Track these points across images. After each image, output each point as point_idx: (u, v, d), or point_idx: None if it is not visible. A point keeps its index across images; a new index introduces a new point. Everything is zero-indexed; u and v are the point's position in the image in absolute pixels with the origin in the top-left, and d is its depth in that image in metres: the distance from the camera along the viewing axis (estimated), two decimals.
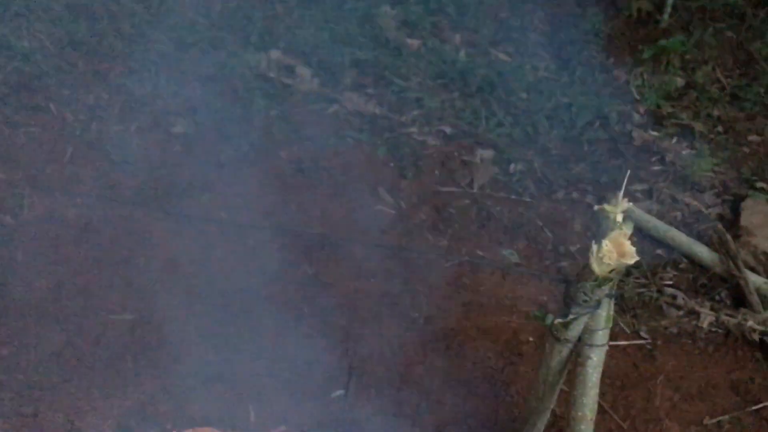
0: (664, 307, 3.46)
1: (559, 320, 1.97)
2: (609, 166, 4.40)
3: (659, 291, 3.51)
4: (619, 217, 1.82)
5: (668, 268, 3.69)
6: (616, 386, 3.06)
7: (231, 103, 4.14)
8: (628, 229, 1.77)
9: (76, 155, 3.69)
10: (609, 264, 1.78)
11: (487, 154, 4.39)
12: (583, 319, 1.98)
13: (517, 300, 3.46)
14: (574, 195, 4.18)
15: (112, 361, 2.83)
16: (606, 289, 1.88)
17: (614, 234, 1.77)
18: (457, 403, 2.91)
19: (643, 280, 3.59)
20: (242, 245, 3.43)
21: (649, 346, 3.27)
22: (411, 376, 3.00)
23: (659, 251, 3.78)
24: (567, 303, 1.95)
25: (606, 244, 1.77)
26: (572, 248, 3.83)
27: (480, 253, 3.71)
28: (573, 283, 1.90)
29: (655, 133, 4.66)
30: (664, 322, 3.40)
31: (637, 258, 1.80)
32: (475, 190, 4.11)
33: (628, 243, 1.76)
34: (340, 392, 2.89)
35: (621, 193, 1.84)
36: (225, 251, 3.38)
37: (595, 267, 1.80)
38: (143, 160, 3.77)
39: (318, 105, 4.34)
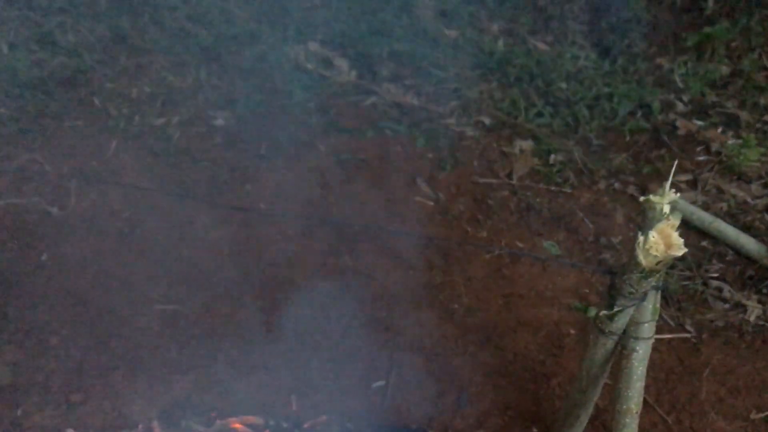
0: (710, 299, 3.39)
1: (604, 312, 1.95)
2: (652, 156, 4.33)
3: (705, 283, 3.44)
4: (666, 208, 1.79)
5: (714, 260, 3.61)
6: (661, 380, 3.02)
7: (270, 95, 4.17)
8: (675, 220, 1.74)
9: (120, 148, 3.75)
10: (656, 256, 1.75)
11: (527, 144, 4.35)
12: (629, 312, 1.95)
13: (558, 292, 3.43)
14: (616, 186, 4.12)
15: (157, 350, 2.88)
16: (652, 281, 1.85)
17: (661, 225, 1.74)
18: (497, 394, 2.90)
19: (688, 273, 3.52)
20: (283, 236, 3.46)
21: (694, 340, 3.22)
22: (451, 367, 3.00)
23: (704, 243, 3.71)
24: (612, 295, 1.92)
25: (653, 235, 1.74)
26: (614, 240, 3.77)
27: (520, 244, 3.69)
28: (619, 275, 1.87)
29: (699, 123, 4.57)
30: (709, 315, 3.33)
31: (684, 250, 1.77)
32: (514, 181, 4.08)
33: (675, 234, 1.73)
34: (380, 383, 2.90)
35: (668, 184, 1.80)
36: (266, 242, 3.41)
37: (642, 259, 1.77)
38: (185, 153, 3.82)
39: (356, 96, 4.35)
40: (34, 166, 3.54)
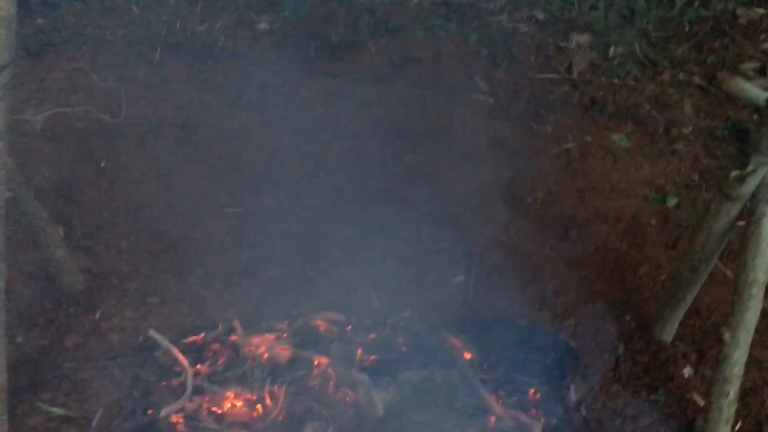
0: None
1: (735, 173, 1.80)
2: (714, 45, 4.12)
3: None
4: None
5: None
6: None
7: None
8: None
9: (165, 55, 3.59)
10: None
11: (584, 38, 4.15)
12: (762, 173, 1.81)
13: (632, 184, 3.29)
14: (681, 76, 3.94)
15: (229, 253, 2.78)
16: None
17: None
18: (583, 286, 2.80)
19: None
20: (342, 138, 3.32)
21: None
22: (533, 260, 2.89)
23: None
24: (745, 153, 1.78)
25: None
26: (685, 130, 3.61)
27: (588, 138, 3.53)
28: (756, 130, 1.72)
29: (761, 11, 4.35)
30: None
31: None
32: (574, 76, 3.89)
33: None
34: (461, 278, 2.80)
35: None
36: (325, 145, 3.27)
37: None
38: (231, 58, 3.65)
39: None
40: (80, 75, 3.39)
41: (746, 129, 1.75)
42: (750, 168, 1.77)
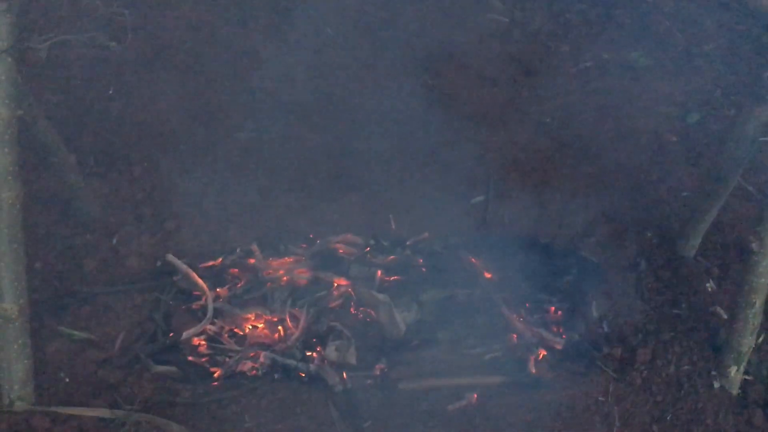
0: None
1: None
2: None
3: None
4: None
5: None
6: None
7: None
8: None
9: None
10: None
11: None
12: None
13: (653, 102, 3.21)
14: None
15: (244, 178, 2.74)
16: None
17: None
18: (603, 204, 2.75)
19: None
20: (354, 60, 3.23)
21: None
22: (551, 179, 2.85)
23: None
24: None
25: None
26: (706, 47, 3.51)
27: (606, 56, 3.43)
28: None
29: None
30: None
31: None
32: None
33: None
34: (480, 198, 2.76)
35: None
36: (336, 67, 3.19)
37: None
38: None
39: None
40: (85, 1, 3.28)
41: None
42: None
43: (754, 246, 1.98)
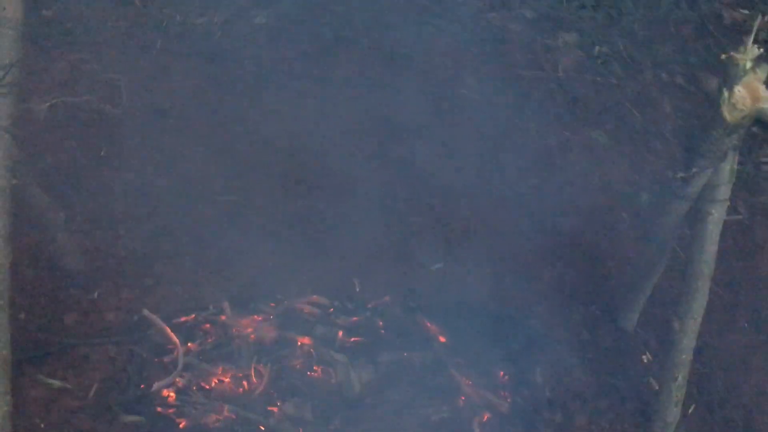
0: (762, 182, 3.40)
1: (680, 175, 1.96)
2: (698, 46, 4.25)
3: (756, 167, 3.44)
4: (749, 64, 1.77)
5: (765, 146, 3.60)
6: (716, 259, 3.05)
7: None
8: (762, 73, 1.73)
9: (165, 47, 3.73)
10: (742, 110, 1.75)
11: (570, 37, 4.28)
12: (706, 174, 1.97)
13: (608, 180, 3.44)
14: (663, 76, 4.07)
15: (220, 239, 2.94)
16: (734, 138, 1.86)
17: (747, 78, 1.73)
18: (553, 276, 2.96)
19: (740, 157, 3.51)
20: (330, 131, 3.47)
21: (747, 222, 3.24)
22: (506, 250, 3.05)
23: (755, 129, 3.68)
24: (690, 157, 1.93)
25: (739, 90, 1.73)
26: (663, 129, 3.76)
27: (568, 135, 3.68)
28: (697, 135, 1.87)
29: (746, 12, 4.46)
30: (762, 198, 3.34)
31: None
32: (559, 74, 4.03)
33: (762, 87, 1.72)
34: (439, 265, 2.97)
35: (750, 39, 1.78)
36: (318, 135, 3.42)
37: (726, 114, 1.77)
38: (229, 51, 3.79)
39: None
40: (84, 65, 3.53)
41: (691, 134, 1.90)
42: (694, 169, 1.92)
43: (675, 325, 2.18)
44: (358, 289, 2.85)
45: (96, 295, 2.67)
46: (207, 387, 2.54)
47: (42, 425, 2.29)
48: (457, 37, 4.08)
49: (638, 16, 4.38)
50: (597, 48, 4.19)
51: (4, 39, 1.86)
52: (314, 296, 2.79)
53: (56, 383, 2.40)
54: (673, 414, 2.29)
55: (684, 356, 2.20)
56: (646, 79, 4.05)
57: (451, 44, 4.06)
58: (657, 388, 2.47)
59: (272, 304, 2.79)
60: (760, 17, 1.97)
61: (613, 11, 4.39)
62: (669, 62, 4.14)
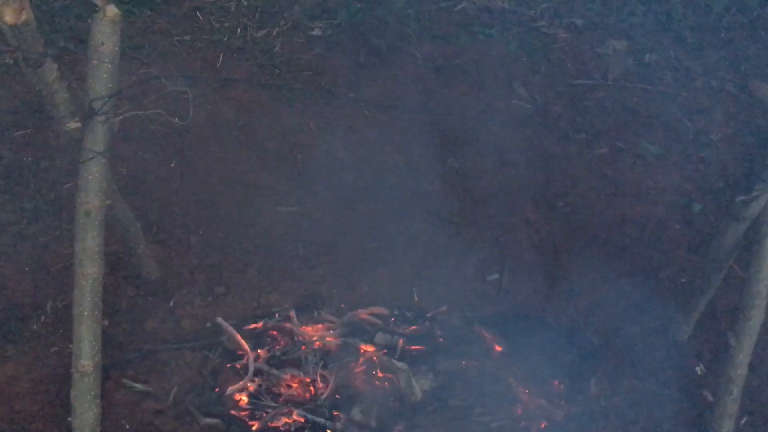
0: None
1: (741, 198, 2.03)
2: (750, 52, 4.26)
3: None
4: None
5: None
6: None
7: (364, 2, 4.20)
8: None
9: (227, 59, 3.88)
10: None
11: (620, 44, 4.32)
12: (765, 197, 2.03)
13: (660, 190, 3.50)
14: (714, 83, 4.10)
15: (285, 248, 3.08)
16: None
17: None
18: (608, 287, 3.03)
19: None
20: (388, 140, 3.58)
21: None
22: (561, 261, 3.14)
23: None
24: (751, 180, 2.00)
25: None
26: (714, 137, 3.79)
27: (620, 144, 3.74)
28: (756, 156, 1.94)
29: None
30: None
31: None
32: (609, 82, 4.08)
33: None
34: (495, 276, 3.07)
35: None
36: (373, 144, 3.54)
37: None
38: (288, 62, 3.93)
39: (446, 2, 4.35)
40: (151, 79, 3.70)
41: (751, 157, 1.96)
42: (754, 193, 1.99)
43: (732, 341, 2.25)
44: (416, 299, 2.97)
45: (172, 303, 2.83)
46: (276, 391, 2.68)
47: (127, 426, 2.45)
48: (507, 47, 4.16)
49: (689, 22, 4.39)
50: (647, 55, 4.22)
51: (102, 72, 2.00)
52: (375, 307, 2.91)
53: (139, 387, 2.57)
54: (727, 427, 2.37)
55: (739, 371, 2.27)
56: (696, 86, 4.08)
57: (501, 53, 4.14)
58: (711, 400, 2.54)
59: (335, 314, 2.92)
60: None
61: (663, 17, 4.41)
62: (719, 69, 4.16)
